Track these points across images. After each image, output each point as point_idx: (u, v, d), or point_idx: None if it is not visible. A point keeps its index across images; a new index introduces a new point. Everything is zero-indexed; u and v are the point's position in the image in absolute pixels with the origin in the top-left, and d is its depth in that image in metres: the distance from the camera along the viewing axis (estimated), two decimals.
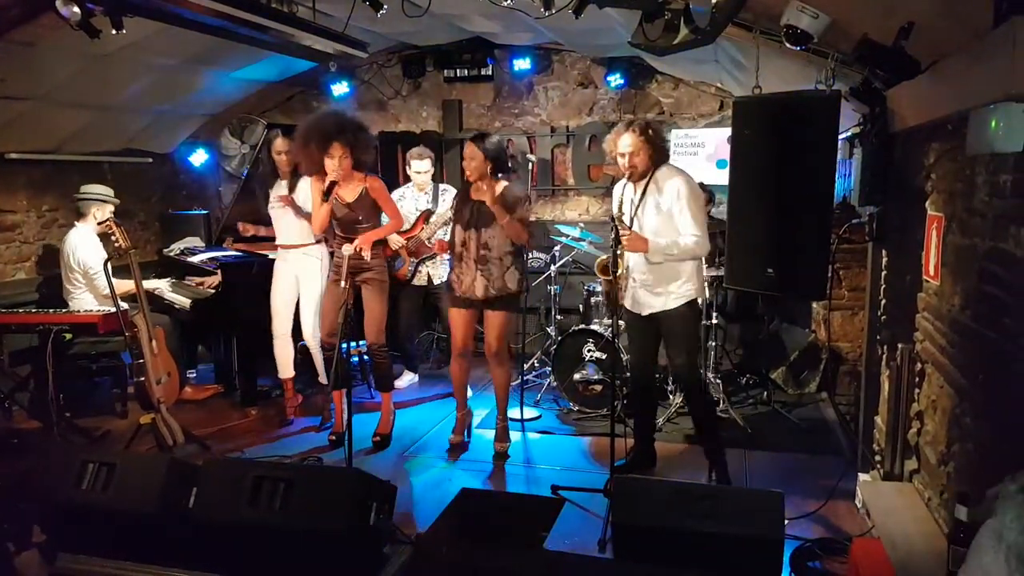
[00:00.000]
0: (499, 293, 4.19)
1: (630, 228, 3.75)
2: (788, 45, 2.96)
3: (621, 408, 4.62)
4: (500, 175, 4.21)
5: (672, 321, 3.88)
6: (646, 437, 4.24)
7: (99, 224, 4.94)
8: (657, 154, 3.80)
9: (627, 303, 3.99)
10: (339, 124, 4.16)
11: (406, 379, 5.84)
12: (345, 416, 4.74)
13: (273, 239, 5.05)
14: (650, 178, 3.82)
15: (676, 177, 3.78)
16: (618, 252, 3.68)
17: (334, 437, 4.60)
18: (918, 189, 3.23)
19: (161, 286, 5.30)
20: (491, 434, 4.56)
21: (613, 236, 3.69)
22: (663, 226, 3.77)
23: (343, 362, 4.62)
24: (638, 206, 3.84)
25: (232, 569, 2.88)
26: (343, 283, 3.81)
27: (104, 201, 5.02)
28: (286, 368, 5.01)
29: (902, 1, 2.56)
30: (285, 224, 4.85)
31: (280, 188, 4.84)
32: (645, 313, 3.92)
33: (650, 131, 3.78)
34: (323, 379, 4.97)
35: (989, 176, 2.40)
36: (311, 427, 4.92)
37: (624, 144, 3.78)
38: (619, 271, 3.74)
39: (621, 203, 3.83)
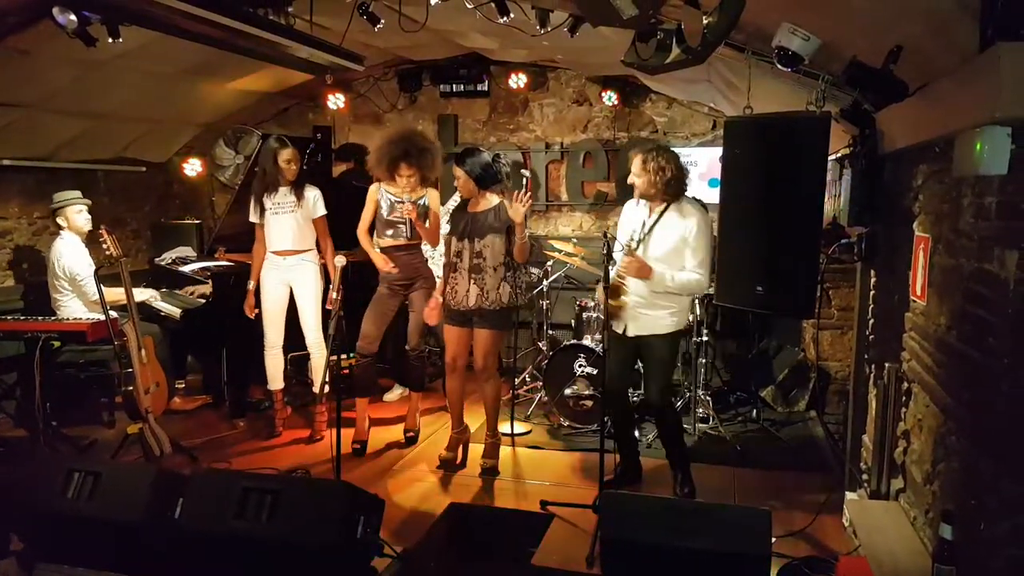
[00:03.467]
0: (491, 306, 4.17)
1: (634, 253, 3.81)
2: (779, 66, 3.00)
3: (611, 424, 4.63)
4: (489, 189, 4.24)
5: (656, 348, 3.91)
6: (630, 452, 4.26)
7: (87, 231, 4.95)
8: (667, 184, 3.81)
9: (613, 322, 4.00)
10: (406, 147, 4.40)
11: (397, 392, 5.83)
12: (367, 424, 4.79)
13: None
14: (667, 208, 3.85)
15: (694, 215, 3.82)
16: (620, 276, 3.84)
17: (358, 445, 4.69)
18: (906, 210, 3.26)
19: (149, 296, 5.28)
20: (480, 448, 4.55)
21: (605, 252, 3.71)
22: (670, 258, 3.81)
23: (371, 370, 4.75)
24: (649, 231, 3.87)
25: None
26: (334, 294, 3.81)
27: (73, 203, 4.96)
28: (276, 380, 4.97)
29: (891, 25, 2.60)
30: (281, 230, 4.78)
31: (282, 195, 4.77)
32: (631, 334, 3.94)
33: (655, 161, 3.80)
34: (317, 389, 4.94)
35: (975, 198, 2.43)
36: (300, 439, 4.90)
37: (632, 166, 3.90)
38: (622, 295, 3.86)
39: (636, 226, 3.92)
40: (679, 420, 4.23)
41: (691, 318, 4.77)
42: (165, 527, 2.90)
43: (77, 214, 4.96)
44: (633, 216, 4.01)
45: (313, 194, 4.82)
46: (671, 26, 2.96)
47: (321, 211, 4.83)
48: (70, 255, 4.87)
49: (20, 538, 3.12)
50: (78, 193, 5.04)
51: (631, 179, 3.91)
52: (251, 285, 4.87)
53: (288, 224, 4.78)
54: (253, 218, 4.83)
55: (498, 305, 4.18)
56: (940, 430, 2.73)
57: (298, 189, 4.78)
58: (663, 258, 3.82)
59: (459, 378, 4.41)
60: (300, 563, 2.78)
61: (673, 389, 4.28)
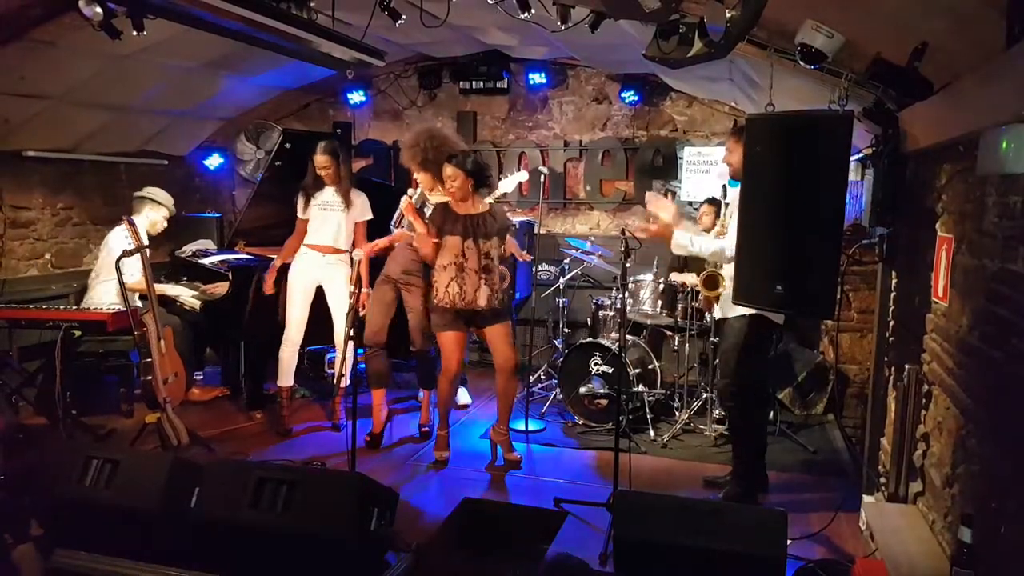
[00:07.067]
0: (500, 306, 4.26)
1: (662, 198, 3.78)
2: (802, 64, 2.98)
3: (626, 423, 4.62)
4: (481, 189, 4.30)
5: (726, 332, 3.86)
6: (755, 455, 3.89)
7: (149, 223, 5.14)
8: None
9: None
10: (410, 144, 4.53)
11: (465, 395, 5.75)
12: (384, 415, 4.80)
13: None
14: None
15: None
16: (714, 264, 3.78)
17: (369, 438, 4.72)
18: (929, 210, 3.22)
19: (181, 293, 5.32)
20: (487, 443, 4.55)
21: (623, 250, 3.71)
22: None
23: (382, 360, 4.76)
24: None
25: (231, 570, 2.89)
26: (352, 287, 3.83)
27: (157, 202, 5.18)
28: (288, 375, 4.95)
29: (916, 22, 2.57)
30: (327, 227, 4.79)
31: (330, 194, 4.78)
32: (718, 316, 3.92)
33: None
34: (336, 380, 4.92)
35: (999, 197, 2.40)
36: (314, 429, 4.94)
37: (726, 147, 3.87)
38: (720, 287, 3.75)
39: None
40: (746, 418, 3.84)
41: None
42: (181, 516, 2.92)
43: (164, 221, 5.23)
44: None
45: (361, 199, 4.84)
46: (693, 20, 2.94)
47: (366, 216, 4.86)
48: (117, 240, 4.91)
49: (40, 523, 3.16)
50: (171, 200, 5.27)
51: (725, 159, 3.87)
52: (277, 263, 4.91)
53: (335, 222, 4.80)
54: (299, 212, 4.86)
55: (504, 304, 4.31)
56: (960, 433, 2.70)
57: (344, 191, 4.79)
58: None
59: (455, 382, 4.52)
60: (314, 554, 2.79)
61: (742, 382, 3.76)
